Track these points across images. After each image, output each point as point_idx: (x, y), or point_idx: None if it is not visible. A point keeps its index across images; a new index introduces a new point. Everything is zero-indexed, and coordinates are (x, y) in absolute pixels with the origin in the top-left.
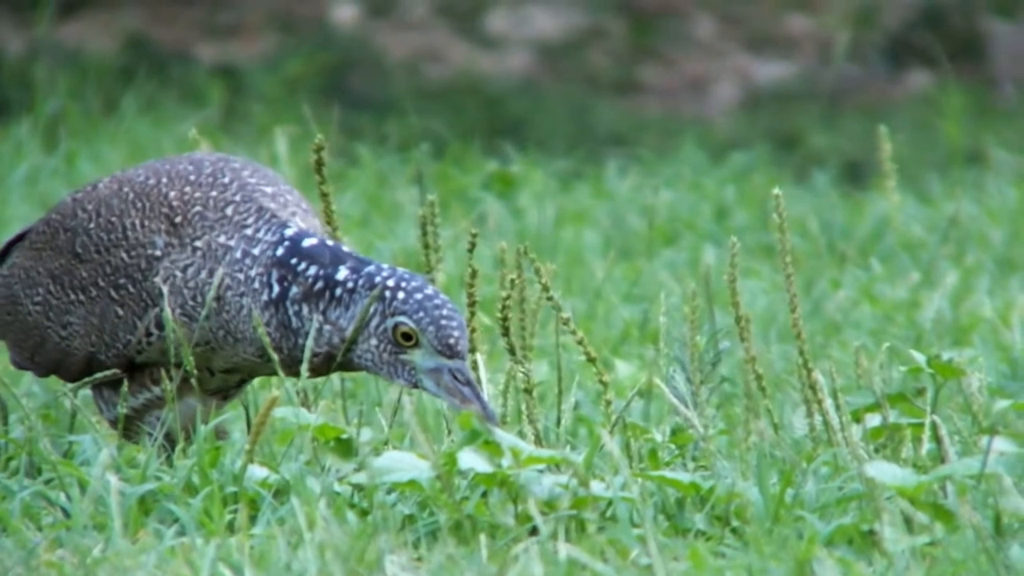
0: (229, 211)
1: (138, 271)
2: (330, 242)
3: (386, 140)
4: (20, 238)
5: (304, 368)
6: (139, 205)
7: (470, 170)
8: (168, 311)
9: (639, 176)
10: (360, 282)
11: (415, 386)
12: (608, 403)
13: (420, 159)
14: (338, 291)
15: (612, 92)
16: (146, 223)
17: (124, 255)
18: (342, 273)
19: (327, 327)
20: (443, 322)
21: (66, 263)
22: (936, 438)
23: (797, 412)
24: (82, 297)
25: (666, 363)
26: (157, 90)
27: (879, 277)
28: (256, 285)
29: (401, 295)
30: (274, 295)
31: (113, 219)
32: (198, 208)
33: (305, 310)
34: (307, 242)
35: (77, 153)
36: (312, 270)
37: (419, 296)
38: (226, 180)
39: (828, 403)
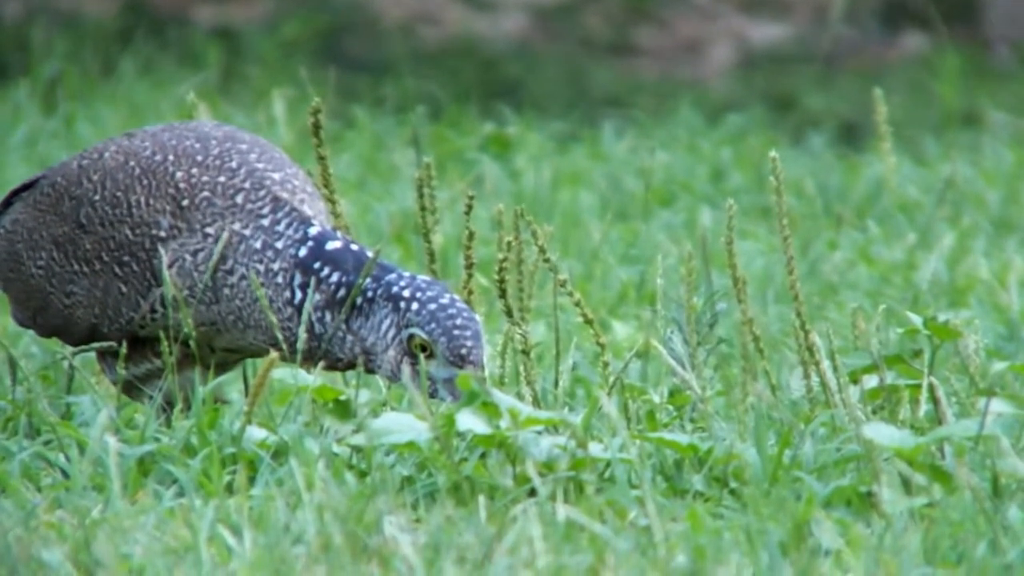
0: (240, 199)
1: (142, 250)
2: (354, 246)
3: (382, 102)
4: (25, 187)
5: (320, 366)
6: (145, 182)
7: (466, 132)
8: (170, 290)
9: (635, 138)
10: (379, 291)
11: (433, 396)
12: (606, 364)
13: (416, 121)
14: (359, 300)
15: (607, 54)
16: (151, 202)
17: (128, 232)
18: (363, 282)
19: (349, 337)
20: (456, 332)
21: (70, 231)
22: (933, 399)
23: (794, 373)
24: (85, 269)
25: (663, 324)
26: (155, 52)
27: (875, 238)
28: (279, 280)
29: (415, 306)
30: (296, 300)
31: (118, 194)
32: (206, 193)
33: (328, 317)
34: (330, 245)
35: (75, 115)
36: (335, 277)
37: (432, 307)
38: (234, 165)
39: (825, 364)
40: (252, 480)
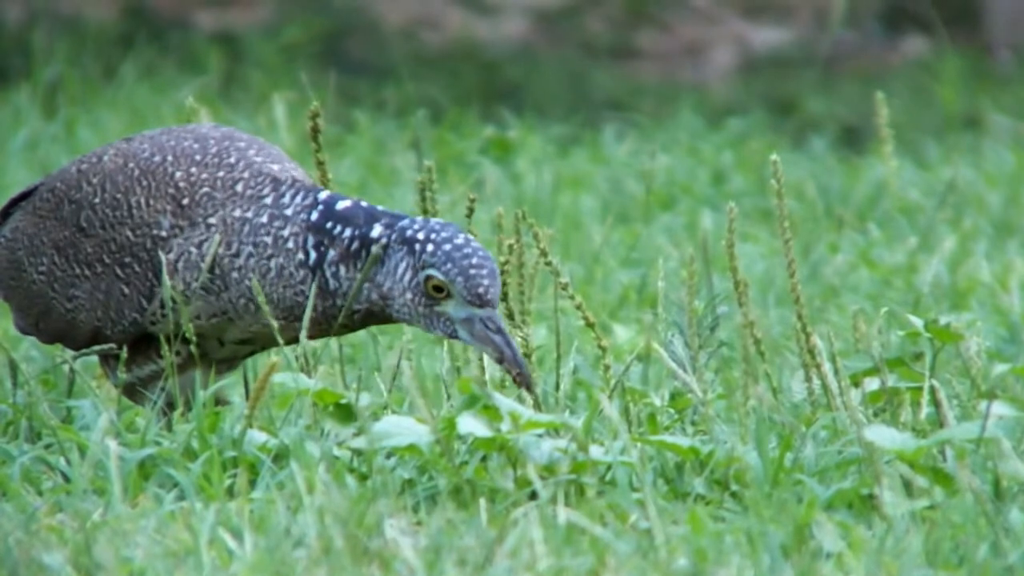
0: (239, 187)
1: (143, 250)
2: (364, 203)
3: (383, 106)
4: (24, 196)
5: (338, 323)
6: (144, 183)
7: (467, 136)
8: (169, 292)
9: (636, 141)
10: (394, 237)
11: (452, 336)
12: (607, 367)
13: (417, 125)
14: (374, 249)
15: (609, 58)
16: (151, 202)
17: (129, 233)
18: (376, 231)
19: (366, 285)
20: (472, 272)
21: (71, 235)
22: (935, 402)
23: (795, 376)
24: (87, 272)
25: (664, 327)
26: (156, 57)
27: (877, 241)
28: (290, 245)
29: (430, 247)
30: (311, 261)
31: (118, 196)
32: (206, 189)
33: (343, 271)
34: (341, 205)
35: (76, 120)
36: (347, 232)
37: (448, 247)
38: (232, 160)
39: (827, 367)
40: (253, 483)
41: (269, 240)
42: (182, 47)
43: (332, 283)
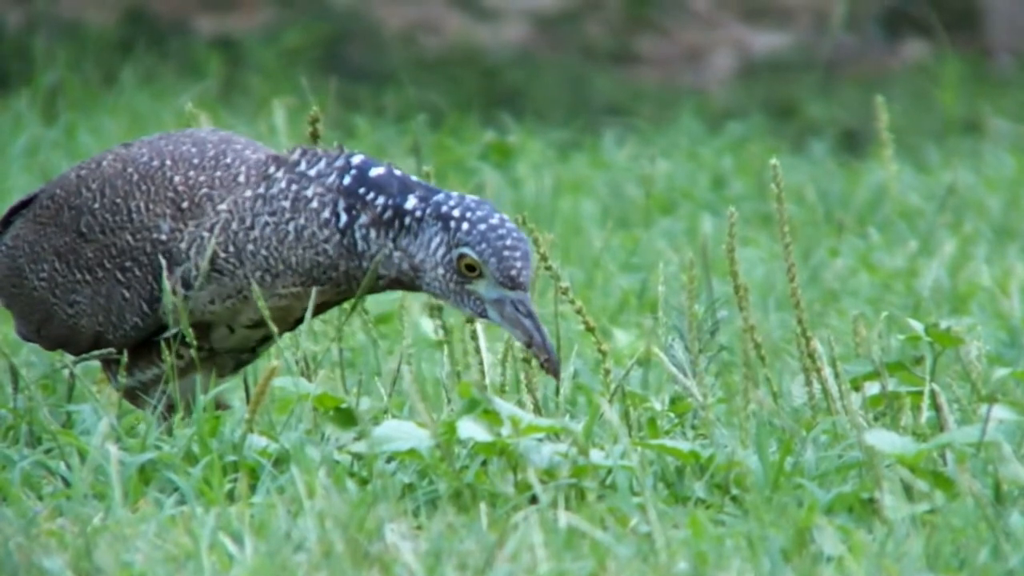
0: (241, 178)
1: (143, 254)
2: (397, 171)
3: (383, 111)
4: (24, 204)
5: (363, 285)
6: (143, 188)
7: (467, 140)
8: (168, 293)
9: (636, 146)
10: (428, 211)
11: (481, 315)
12: (607, 372)
13: (417, 130)
14: (407, 220)
15: (609, 63)
16: (151, 207)
17: (129, 237)
18: (411, 202)
19: (397, 253)
20: (505, 253)
21: (71, 241)
22: (935, 406)
23: (796, 380)
24: (88, 277)
25: (664, 332)
26: (156, 62)
27: (877, 246)
28: (314, 204)
29: (465, 226)
30: (341, 224)
31: (118, 200)
32: (204, 191)
33: (373, 234)
34: (375, 171)
35: (76, 125)
36: (380, 200)
37: (483, 227)
38: (229, 160)
39: (827, 371)
40: (253, 488)
41: (287, 204)
42: (182, 52)
43: (361, 245)
